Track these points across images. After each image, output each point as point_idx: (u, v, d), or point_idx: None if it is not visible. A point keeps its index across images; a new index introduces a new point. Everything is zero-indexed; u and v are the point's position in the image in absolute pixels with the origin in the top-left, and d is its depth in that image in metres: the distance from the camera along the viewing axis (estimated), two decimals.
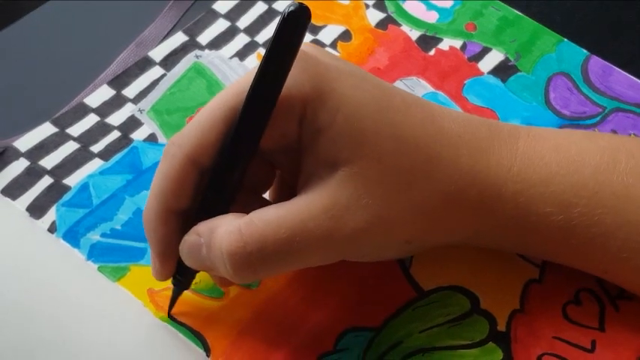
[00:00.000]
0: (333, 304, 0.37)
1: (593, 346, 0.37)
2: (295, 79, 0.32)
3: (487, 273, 0.38)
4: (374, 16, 0.49)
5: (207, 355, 0.36)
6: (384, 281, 0.38)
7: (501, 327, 0.37)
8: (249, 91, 0.32)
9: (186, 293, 0.37)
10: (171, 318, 0.37)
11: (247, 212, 0.33)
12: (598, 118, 0.45)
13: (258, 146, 0.33)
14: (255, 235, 0.32)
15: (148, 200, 0.34)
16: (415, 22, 0.49)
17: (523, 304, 0.38)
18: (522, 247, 0.37)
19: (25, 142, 0.42)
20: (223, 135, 0.33)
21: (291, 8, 0.30)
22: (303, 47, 0.32)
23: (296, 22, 0.31)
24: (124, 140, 0.43)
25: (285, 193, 0.36)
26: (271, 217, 0.32)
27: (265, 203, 0.35)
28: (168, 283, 0.37)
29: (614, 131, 0.44)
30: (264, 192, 0.38)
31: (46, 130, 0.43)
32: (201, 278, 0.38)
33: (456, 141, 0.34)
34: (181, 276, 0.35)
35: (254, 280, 0.38)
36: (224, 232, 0.32)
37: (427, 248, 0.36)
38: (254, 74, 0.32)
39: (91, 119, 0.43)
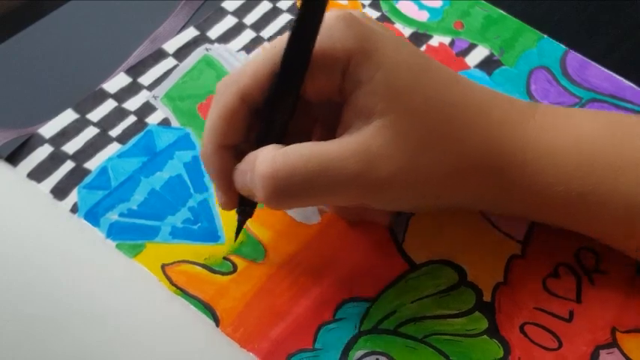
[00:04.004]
0: (332, 277, 0.37)
1: (571, 316, 0.36)
2: (341, 34, 0.32)
3: (474, 248, 0.38)
4: (369, 14, 0.48)
5: (217, 326, 0.35)
6: (379, 255, 0.38)
7: (487, 298, 0.37)
8: (287, 40, 0.32)
9: (197, 268, 0.37)
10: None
11: None
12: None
13: (302, 84, 0.33)
14: (287, 163, 0.32)
15: (203, 137, 0.35)
16: (407, 21, 0.48)
17: (507, 277, 0.38)
18: (524, 212, 0.37)
19: (49, 129, 0.42)
20: (271, 77, 0.33)
21: None
22: (351, 11, 0.33)
23: None
24: (140, 124, 0.42)
25: None
26: (304, 151, 0.32)
27: None
28: (178, 258, 0.37)
29: None
30: None
31: (68, 116, 0.42)
32: (210, 254, 0.37)
33: (479, 110, 0.34)
34: (244, 205, 0.36)
35: (285, 209, 0.38)
36: (262, 157, 0.32)
37: (453, 205, 0.36)
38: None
39: (110, 104, 0.43)
